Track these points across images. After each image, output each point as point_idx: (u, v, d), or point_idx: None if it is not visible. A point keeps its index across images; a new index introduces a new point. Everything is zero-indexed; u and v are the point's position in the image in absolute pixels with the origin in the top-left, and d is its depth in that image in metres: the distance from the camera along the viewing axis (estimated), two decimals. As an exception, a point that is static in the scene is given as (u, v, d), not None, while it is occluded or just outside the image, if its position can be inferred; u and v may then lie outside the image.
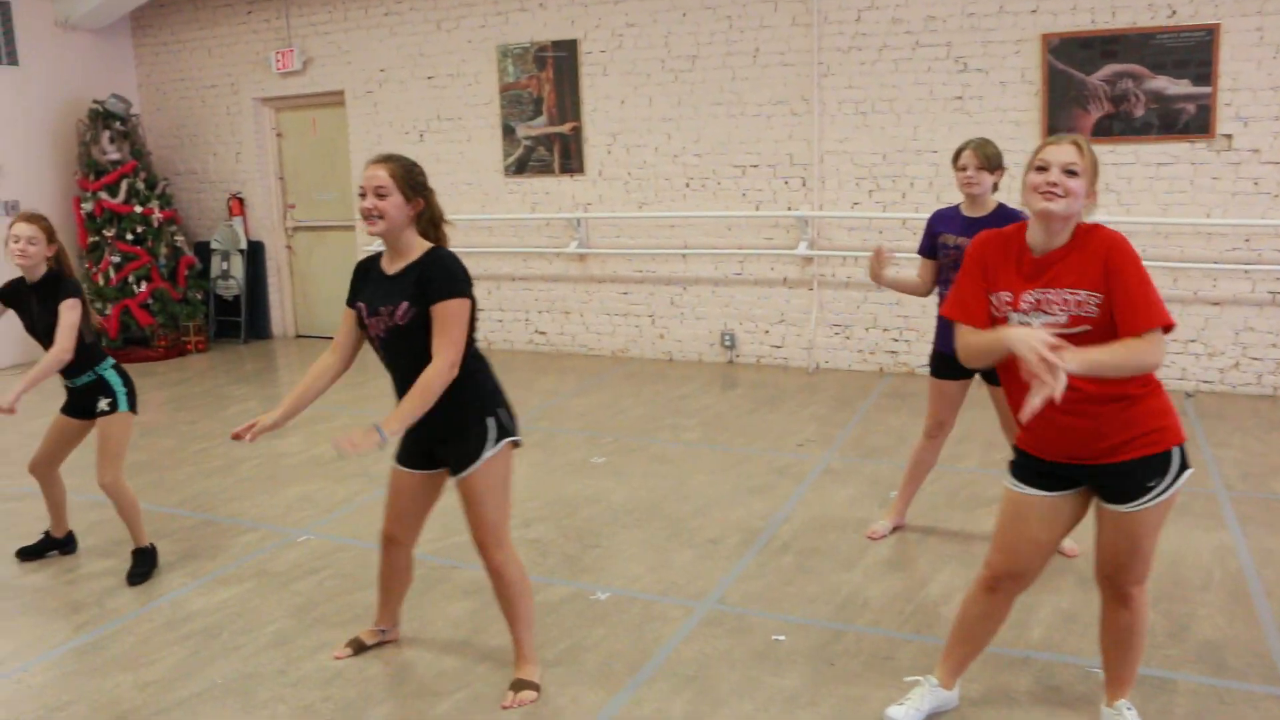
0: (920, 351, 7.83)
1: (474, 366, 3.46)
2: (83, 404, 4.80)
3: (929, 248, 4.57)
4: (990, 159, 4.29)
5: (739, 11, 7.92)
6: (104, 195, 9.43)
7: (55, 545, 5.10)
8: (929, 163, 7.60)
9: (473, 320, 3.41)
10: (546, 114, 8.66)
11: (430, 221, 3.48)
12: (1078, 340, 2.69)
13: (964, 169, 4.32)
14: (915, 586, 4.40)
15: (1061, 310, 2.76)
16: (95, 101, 9.58)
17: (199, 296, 9.97)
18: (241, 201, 10.13)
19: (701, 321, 8.51)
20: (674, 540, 4.98)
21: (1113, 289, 2.70)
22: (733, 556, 4.75)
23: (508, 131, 8.84)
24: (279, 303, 10.45)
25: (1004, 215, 4.38)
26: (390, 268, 3.41)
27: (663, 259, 8.53)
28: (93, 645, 4.10)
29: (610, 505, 5.46)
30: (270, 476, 6.16)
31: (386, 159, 3.37)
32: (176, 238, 9.83)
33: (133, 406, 4.82)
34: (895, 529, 4.96)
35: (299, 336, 10.49)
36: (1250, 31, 6.75)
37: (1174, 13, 6.91)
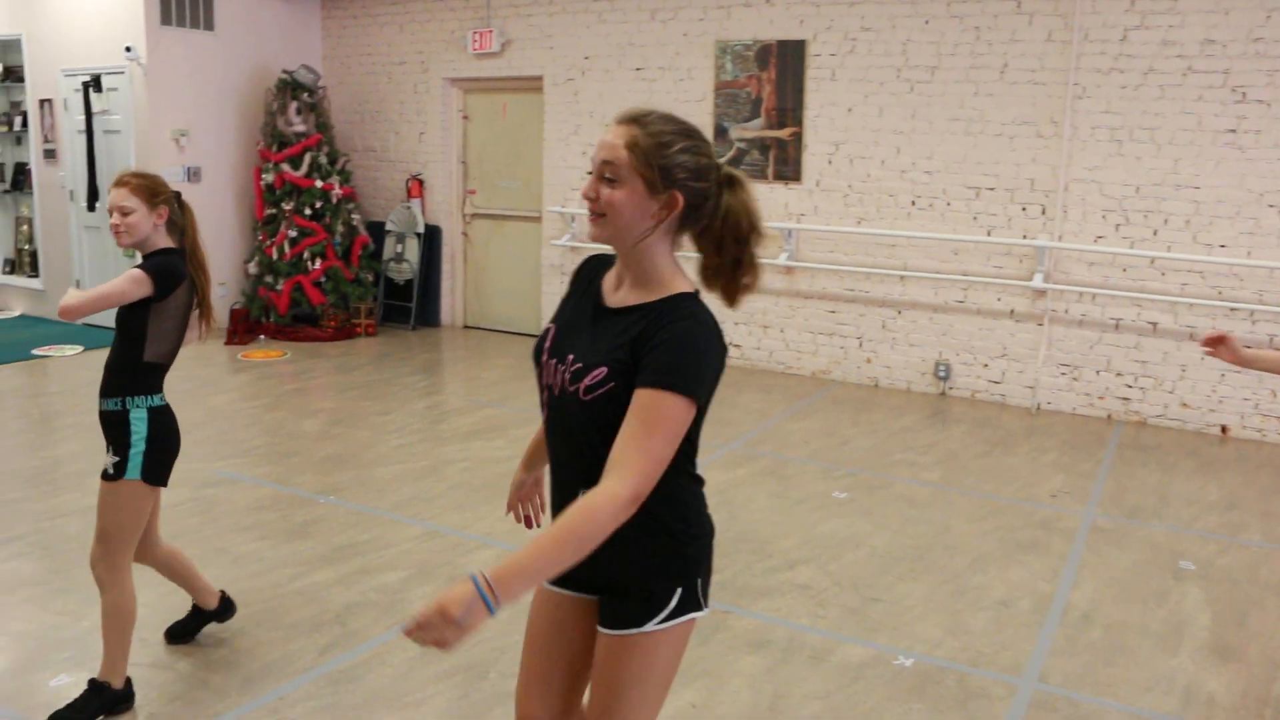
0: (1156, 400, 7.26)
1: (680, 500, 2.18)
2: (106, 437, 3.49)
3: None
4: None
5: (989, 23, 7.39)
6: (286, 167, 9.16)
7: (210, 617, 4.01)
8: (1188, 199, 7.01)
9: (694, 433, 2.11)
10: (764, 116, 8.18)
11: (715, 239, 2.15)
12: None
13: None
14: (1259, 683, 3.90)
15: None
16: (285, 71, 9.31)
17: (370, 278, 9.67)
18: (421, 183, 9.80)
19: (915, 349, 7.99)
20: (960, 599, 4.53)
21: None
22: (1031, 624, 4.31)
23: (720, 132, 8.37)
24: (449, 290, 10.09)
25: None
26: (614, 294, 2.19)
27: (878, 279, 8.02)
28: (345, 673, 3.74)
29: (874, 551, 5.01)
30: (484, 484, 5.78)
31: (633, 119, 2.07)
32: (353, 216, 9.53)
33: (151, 476, 3.44)
34: None
35: (466, 327, 10.14)
36: None
37: None
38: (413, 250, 9.70)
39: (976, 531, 5.31)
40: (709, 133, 8.44)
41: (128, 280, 3.29)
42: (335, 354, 8.91)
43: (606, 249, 2.13)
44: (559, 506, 2.15)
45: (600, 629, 2.21)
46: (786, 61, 8.04)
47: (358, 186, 9.95)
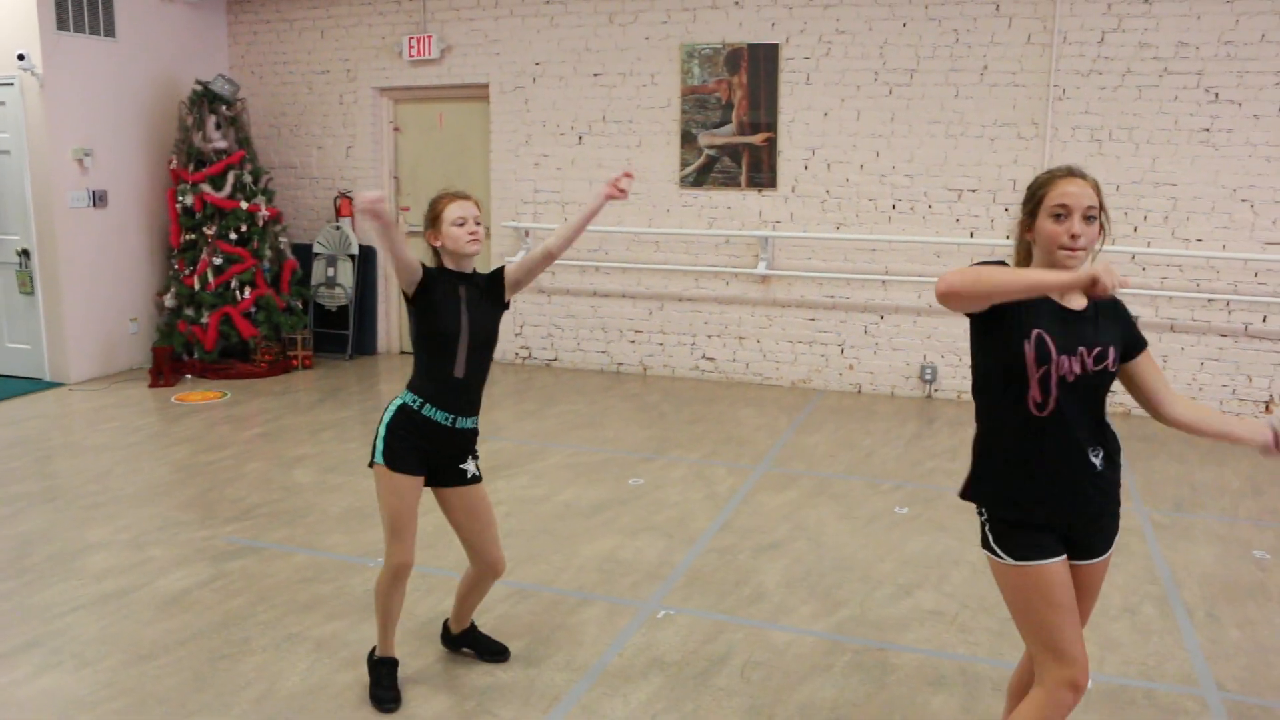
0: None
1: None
2: (445, 459, 3.63)
3: None
4: None
5: (969, 25, 7.40)
6: (206, 188, 8.31)
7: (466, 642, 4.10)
8: (1166, 196, 7.22)
9: None
10: (736, 122, 7.96)
11: None
12: None
13: None
14: None
15: None
16: (198, 82, 8.45)
17: (299, 305, 8.92)
18: (351, 201, 9.10)
19: (899, 353, 7.94)
20: (1147, 617, 4.41)
21: None
22: (1167, 630, 4.30)
23: (687, 139, 8.11)
24: (385, 315, 9.45)
25: None
26: (1071, 302, 2.75)
27: (859, 285, 7.93)
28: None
29: (975, 568, 4.87)
30: (540, 529, 5.31)
31: (1080, 173, 2.74)
32: (280, 239, 8.76)
33: None
34: None
35: (403, 352, 9.50)
36: None
37: None
38: (346, 274, 9.00)
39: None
40: (675, 140, 8.17)
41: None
42: (279, 390, 8.15)
43: None
44: (1069, 477, 2.73)
45: (1090, 562, 2.82)
46: (759, 65, 7.85)
47: (278, 207, 9.17)
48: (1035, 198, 2.72)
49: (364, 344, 9.37)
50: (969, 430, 6.87)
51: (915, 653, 4.08)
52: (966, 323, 8.24)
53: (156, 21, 8.69)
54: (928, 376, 7.84)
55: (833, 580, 4.73)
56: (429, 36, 8.64)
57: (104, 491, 5.89)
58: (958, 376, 7.84)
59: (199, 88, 8.41)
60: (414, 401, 3.55)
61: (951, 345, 7.82)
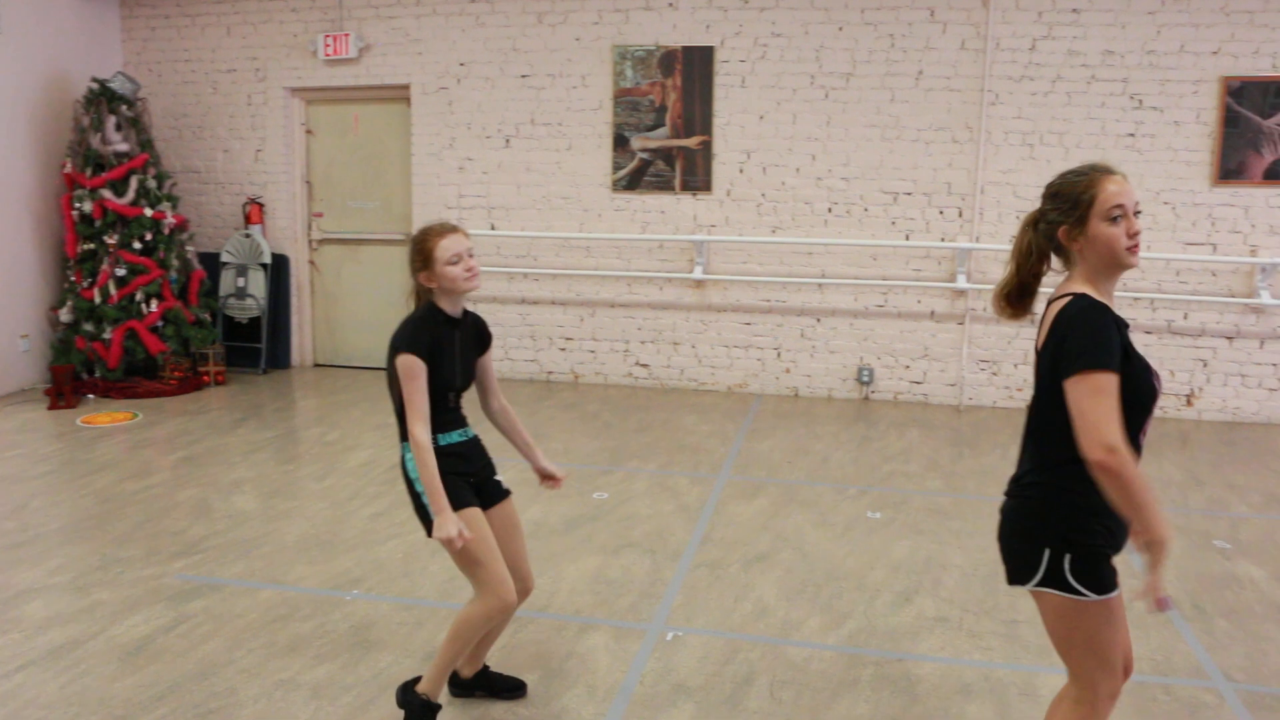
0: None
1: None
2: (483, 474, 3.54)
3: None
4: None
5: (903, 31, 7.45)
6: (107, 193, 7.74)
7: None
8: (1093, 198, 7.42)
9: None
10: (670, 125, 7.83)
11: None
12: None
13: None
14: None
15: None
16: (95, 80, 7.86)
17: (207, 318, 8.40)
18: (261, 207, 8.62)
19: (835, 355, 7.94)
20: (1136, 611, 4.40)
21: None
22: (1160, 622, 4.33)
23: (620, 142, 7.94)
24: (298, 326, 8.99)
25: None
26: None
27: (795, 288, 7.91)
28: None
29: (964, 570, 4.91)
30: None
31: (1114, 168, 2.66)
32: (188, 248, 8.23)
33: None
34: None
35: (317, 365, 9.06)
36: None
37: (1348, 62, 7.05)
38: (257, 284, 8.52)
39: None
40: (607, 143, 8.01)
41: None
42: (194, 409, 7.64)
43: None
44: None
45: None
46: (693, 67, 7.75)
47: (183, 214, 8.60)
48: (1082, 202, 2.58)
49: (278, 357, 8.89)
50: (915, 432, 7.05)
51: (935, 661, 4.03)
52: (903, 324, 8.33)
53: (43, 15, 8.04)
54: (865, 379, 7.88)
55: (830, 591, 4.66)
56: (346, 35, 8.24)
57: (25, 529, 5.37)
58: (894, 377, 7.90)
59: (96, 86, 7.83)
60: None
61: (888, 347, 7.87)
